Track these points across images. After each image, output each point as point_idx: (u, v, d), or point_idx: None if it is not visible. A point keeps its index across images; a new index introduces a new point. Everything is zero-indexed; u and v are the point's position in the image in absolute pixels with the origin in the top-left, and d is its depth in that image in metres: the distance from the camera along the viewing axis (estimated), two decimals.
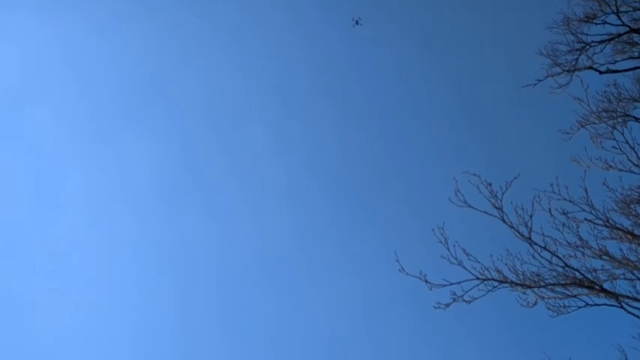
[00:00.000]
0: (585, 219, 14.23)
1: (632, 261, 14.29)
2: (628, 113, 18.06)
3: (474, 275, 14.07)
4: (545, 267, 14.16)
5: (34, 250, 32.32)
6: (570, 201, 14.22)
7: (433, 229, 14.25)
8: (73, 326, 30.09)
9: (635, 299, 13.85)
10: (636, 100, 18.40)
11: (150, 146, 34.97)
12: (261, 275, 31.64)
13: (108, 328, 30.55)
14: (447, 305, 14.13)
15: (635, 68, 19.22)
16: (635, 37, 19.25)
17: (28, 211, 33.33)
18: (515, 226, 14.14)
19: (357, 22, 30.59)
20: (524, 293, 14.40)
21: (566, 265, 13.99)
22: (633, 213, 14.59)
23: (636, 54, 19.36)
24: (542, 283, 14.18)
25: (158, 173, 34.89)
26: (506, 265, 14.20)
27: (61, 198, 33.69)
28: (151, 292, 31.67)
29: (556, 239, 14.23)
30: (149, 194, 34.66)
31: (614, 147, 15.41)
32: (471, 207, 14.27)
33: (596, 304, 14.55)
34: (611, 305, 14.50)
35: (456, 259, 14.06)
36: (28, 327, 29.35)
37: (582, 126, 17.79)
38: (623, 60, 19.52)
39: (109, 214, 33.96)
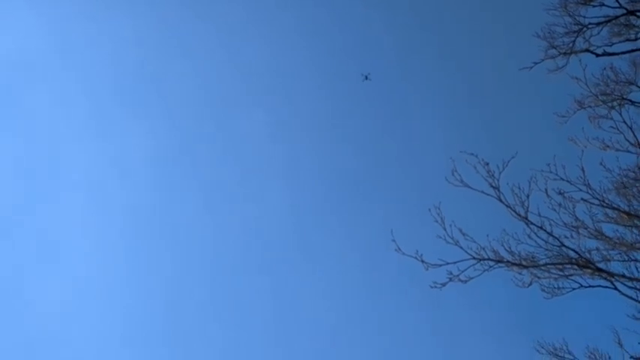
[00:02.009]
0: (582, 199, 14.24)
1: (627, 241, 14.33)
2: (625, 97, 18.04)
3: (470, 255, 14.09)
4: (541, 247, 14.20)
5: (29, 240, 32.23)
6: (567, 181, 14.24)
7: (430, 209, 14.26)
8: (68, 319, 30.13)
9: (630, 278, 13.90)
10: (632, 83, 18.37)
11: (146, 132, 34.84)
12: (261, 260, 31.76)
13: (105, 317, 30.59)
14: (443, 285, 14.16)
15: (632, 51, 19.14)
16: (632, 19, 19.17)
17: (24, 201, 33.20)
18: (511, 205, 14.15)
19: (366, 77, 31.30)
20: (519, 273, 14.44)
21: (562, 245, 14.02)
22: (630, 194, 14.59)
23: (633, 36, 19.27)
24: (537, 263, 14.21)
25: (155, 160, 34.78)
26: (502, 245, 14.23)
27: (57, 188, 33.53)
28: (149, 281, 31.71)
29: (552, 219, 14.27)
30: (146, 181, 34.54)
31: (611, 127, 15.43)
32: (467, 186, 14.26)
33: (590, 286, 14.60)
34: (605, 287, 14.57)
35: (452, 238, 14.09)
36: (22, 314, 29.35)
37: (581, 107, 17.77)
38: (620, 42, 19.46)
39: (107, 201, 33.88)
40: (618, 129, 15.26)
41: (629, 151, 15.15)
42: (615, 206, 14.45)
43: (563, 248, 14.24)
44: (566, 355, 15.03)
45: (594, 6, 19.59)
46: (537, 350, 15.29)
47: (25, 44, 34.31)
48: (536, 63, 20.26)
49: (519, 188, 14.07)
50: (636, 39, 19.35)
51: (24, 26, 34.30)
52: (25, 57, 34.40)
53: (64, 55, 35.24)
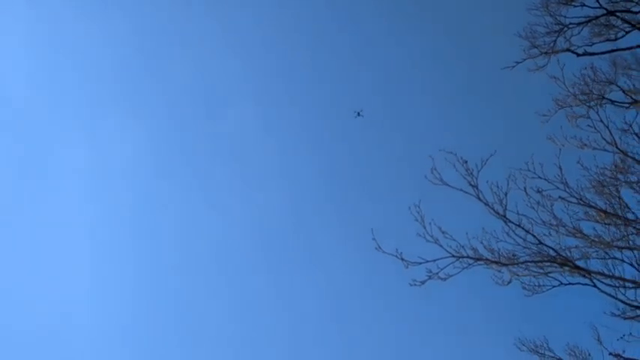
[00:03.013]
0: (560, 197, 14.35)
1: (605, 239, 14.45)
2: (604, 96, 18.16)
3: (450, 253, 14.18)
4: (519, 245, 14.31)
5: (28, 240, 32.14)
6: (545, 179, 14.35)
7: (409, 207, 14.32)
8: (67, 319, 30.06)
9: (607, 276, 14.03)
10: (612, 83, 18.51)
11: (146, 131, 34.89)
12: (254, 253, 31.96)
13: (104, 317, 30.58)
14: (423, 283, 14.23)
15: (612, 51, 19.32)
16: (613, 19, 19.34)
17: (23, 201, 33.09)
18: (490, 204, 14.25)
19: (358, 113, 31.68)
20: (499, 271, 14.53)
21: (540, 243, 14.13)
22: (607, 192, 14.72)
23: (613, 36, 19.45)
24: (516, 261, 14.30)
25: (155, 159, 34.81)
26: (481, 242, 14.33)
27: (57, 187, 33.46)
28: (148, 280, 31.81)
29: (531, 218, 14.40)
30: (145, 180, 34.56)
31: (588, 125, 15.56)
32: (446, 185, 14.34)
33: (570, 284, 14.71)
34: (585, 284, 14.68)
35: (431, 237, 14.16)
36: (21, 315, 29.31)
37: (560, 107, 17.89)
38: (600, 42, 19.64)
39: (104, 200, 33.84)
40: (595, 128, 15.41)
41: (605, 150, 15.29)
42: (593, 204, 14.57)
43: (542, 246, 14.35)
44: (547, 352, 15.16)
45: (575, 6, 19.76)
46: (518, 347, 15.42)
47: (25, 44, 34.27)
48: (517, 62, 20.42)
49: (498, 186, 14.19)
50: (616, 39, 19.54)
51: (16, 15, 34.18)
52: (24, 56, 34.37)
53: (63, 54, 35.21)
